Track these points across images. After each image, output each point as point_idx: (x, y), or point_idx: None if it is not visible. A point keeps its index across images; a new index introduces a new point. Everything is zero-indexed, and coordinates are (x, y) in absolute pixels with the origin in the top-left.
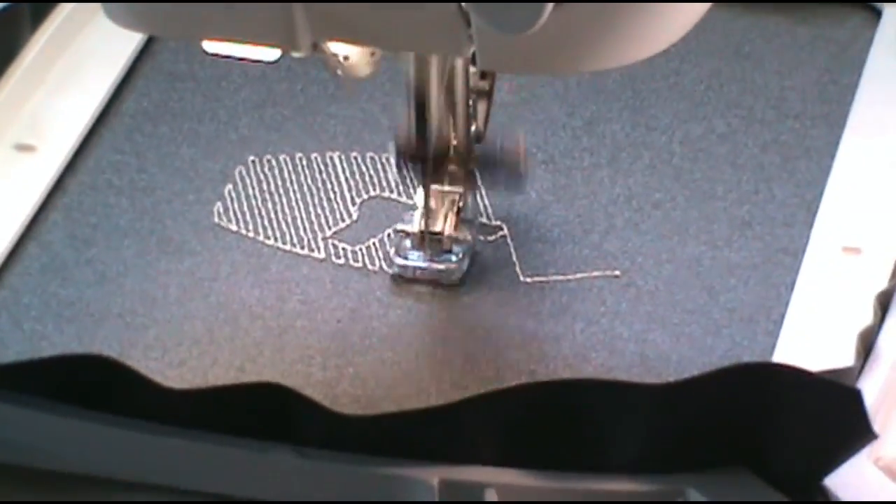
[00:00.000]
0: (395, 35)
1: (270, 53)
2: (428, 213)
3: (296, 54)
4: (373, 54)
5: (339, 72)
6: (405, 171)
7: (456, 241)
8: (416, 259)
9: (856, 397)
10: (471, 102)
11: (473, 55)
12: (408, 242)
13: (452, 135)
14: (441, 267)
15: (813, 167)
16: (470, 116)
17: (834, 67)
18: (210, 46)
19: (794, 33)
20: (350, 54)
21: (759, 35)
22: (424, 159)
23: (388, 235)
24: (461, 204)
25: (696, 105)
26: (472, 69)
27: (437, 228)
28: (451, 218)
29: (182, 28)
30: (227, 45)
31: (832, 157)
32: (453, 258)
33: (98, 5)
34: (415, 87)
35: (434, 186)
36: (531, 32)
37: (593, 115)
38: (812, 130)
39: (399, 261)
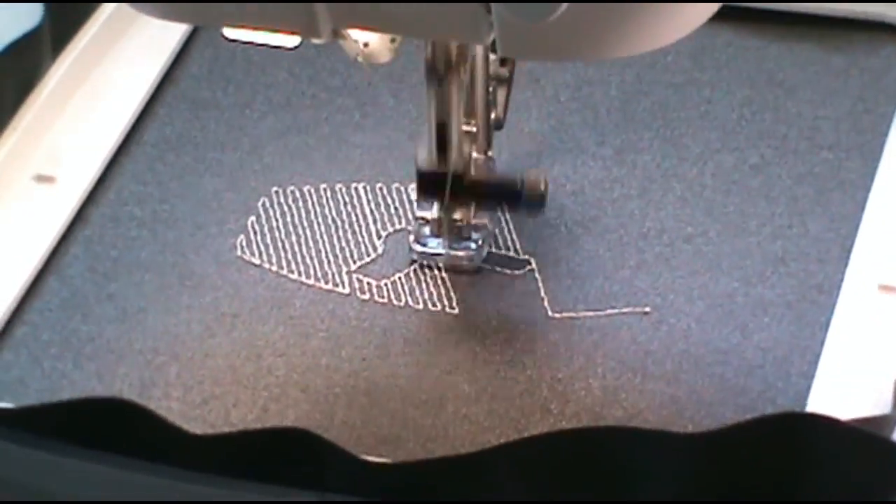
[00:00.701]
0: (416, 22)
1: (290, 40)
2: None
3: (316, 41)
4: (393, 41)
5: (360, 58)
6: (427, 196)
7: (475, 228)
8: (435, 246)
9: (893, 451)
10: (491, 89)
11: (493, 42)
12: (427, 229)
13: (472, 149)
14: (460, 254)
15: (847, 200)
16: (490, 103)
17: (868, 96)
18: (231, 33)
19: (827, 62)
20: (370, 41)
21: (792, 63)
22: (445, 178)
23: (414, 270)
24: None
25: (728, 135)
26: (491, 56)
27: (457, 216)
28: (470, 205)
29: (204, 14)
30: (247, 32)
31: (867, 189)
32: (472, 245)
33: (118, 35)
34: (435, 104)
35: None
36: (551, 20)
37: (623, 144)
38: (846, 162)
39: (418, 248)
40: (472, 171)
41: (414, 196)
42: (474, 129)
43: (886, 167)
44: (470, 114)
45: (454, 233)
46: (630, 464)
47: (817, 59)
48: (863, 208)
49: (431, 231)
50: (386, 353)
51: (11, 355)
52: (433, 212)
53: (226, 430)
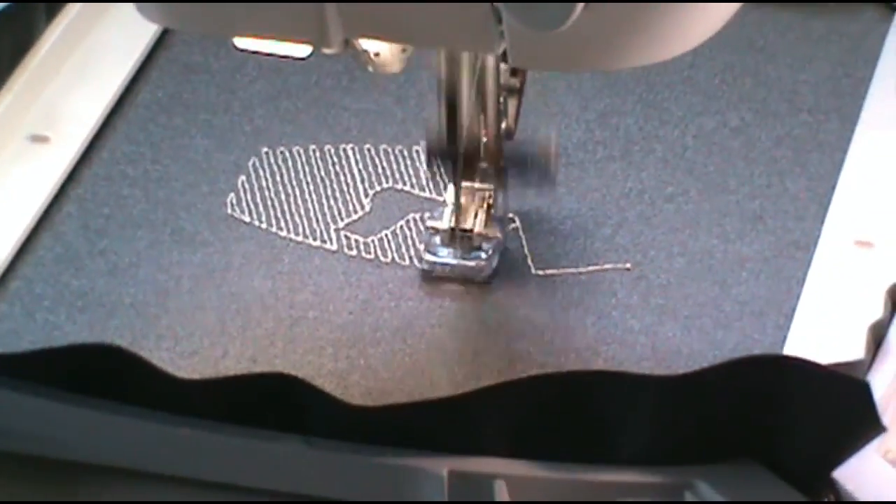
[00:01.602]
0: (427, 32)
1: (301, 49)
2: (458, 210)
3: (327, 51)
4: (403, 51)
5: (370, 68)
6: (435, 169)
7: (486, 238)
8: (445, 256)
9: (865, 390)
10: (501, 99)
11: (504, 52)
12: (437, 239)
13: (483, 132)
14: (471, 264)
15: (826, 161)
16: (500, 113)
17: (847, 61)
18: (241, 43)
19: (807, 27)
20: (381, 51)
21: (773, 29)
22: (455, 158)
23: (401, 227)
24: (491, 201)
25: (710, 98)
26: (502, 66)
27: (468, 225)
28: (482, 215)
29: (214, 25)
30: (258, 42)
31: (845, 151)
32: (483, 255)
33: None
34: (446, 85)
35: (465, 184)
36: (562, 30)
37: (606, 108)
38: (825, 124)
39: (429, 257)
40: (482, 152)
41: (402, 157)
42: (485, 139)
43: (863, 129)
44: (481, 124)
45: (465, 243)
46: (608, 405)
47: (797, 25)
48: (840, 169)
49: (442, 241)
50: (372, 308)
51: (6, 308)
52: (444, 222)
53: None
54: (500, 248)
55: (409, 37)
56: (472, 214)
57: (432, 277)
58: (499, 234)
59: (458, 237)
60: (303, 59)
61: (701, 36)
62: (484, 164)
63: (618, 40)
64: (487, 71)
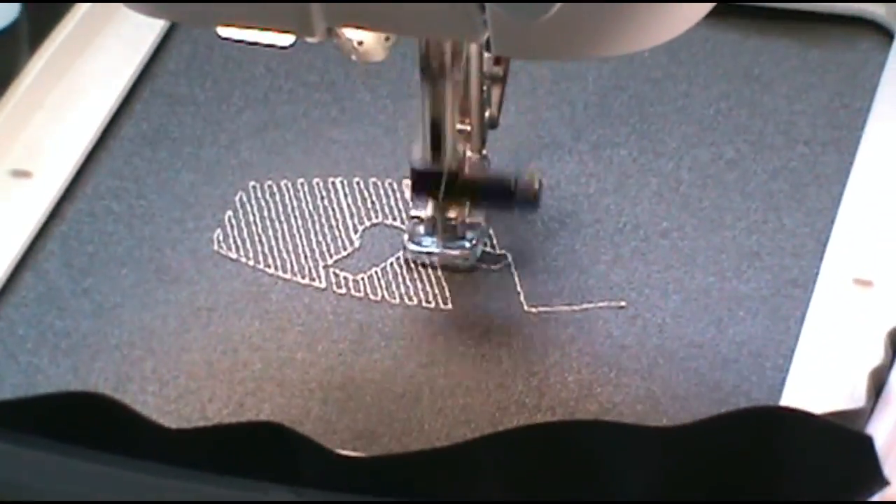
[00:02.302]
0: (410, 20)
1: (284, 38)
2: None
3: (310, 39)
4: (387, 39)
5: (354, 57)
6: (422, 191)
7: (469, 227)
8: (429, 245)
9: (867, 444)
10: (485, 88)
11: (488, 41)
12: (421, 228)
13: (465, 147)
14: (455, 252)
15: (823, 195)
16: (484, 102)
17: (845, 91)
18: (224, 31)
19: (804, 56)
20: (364, 39)
21: (769, 58)
22: (440, 173)
23: (391, 264)
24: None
25: (705, 129)
26: (486, 55)
27: (451, 214)
28: (465, 204)
29: (198, 14)
30: (240, 31)
31: (843, 184)
32: (466, 244)
33: (95, 31)
34: (429, 101)
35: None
36: (545, 18)
37: (600, 140)
38: (822, 157)
39: (412, 247)
40: (467, 170)
41: (392, 190)
42: (469, 128)
43: (862, 162)
44: (464, 113)
45: (448, 231)
46: (604, 458)
47: (794, 54)
48: (838, 203)
49: (426, 230)
50: (362, 348)
51: None
52: (427, 210)
53: (201, 424)
54: (484, 237)
55: (393, 25)
56: (456, 203)
57: (414, 263)
58: (482, 223)
59: (441, 226)
60: (285, 47)
61: (685, 23)
62: (468, 153)
63: (602, 28)
64: (471, 59)
